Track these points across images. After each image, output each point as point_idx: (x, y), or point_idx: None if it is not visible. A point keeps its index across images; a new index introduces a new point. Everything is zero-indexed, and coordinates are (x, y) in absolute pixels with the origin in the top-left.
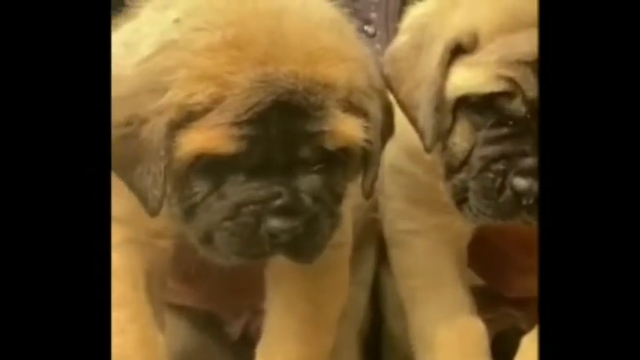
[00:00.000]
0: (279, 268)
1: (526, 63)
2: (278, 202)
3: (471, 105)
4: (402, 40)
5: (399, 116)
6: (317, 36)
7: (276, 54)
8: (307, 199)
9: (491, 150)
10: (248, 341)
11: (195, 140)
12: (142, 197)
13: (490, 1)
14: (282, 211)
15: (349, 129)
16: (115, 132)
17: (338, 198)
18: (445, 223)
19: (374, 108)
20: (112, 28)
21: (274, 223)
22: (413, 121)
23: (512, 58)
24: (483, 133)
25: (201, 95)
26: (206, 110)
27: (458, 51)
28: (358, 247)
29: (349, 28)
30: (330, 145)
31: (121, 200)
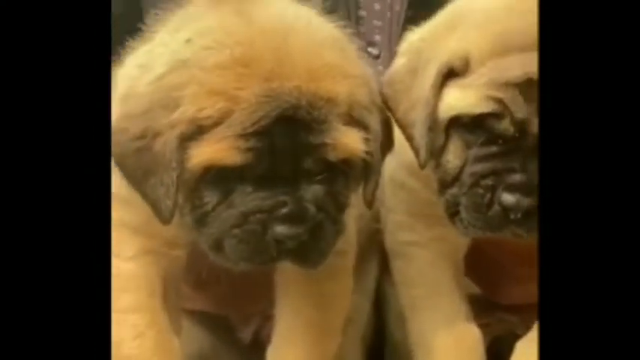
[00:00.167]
0: (287, 276)
1: (514, 85)
2: (283, 210)
3: (463, 124)
4: (399, 63)
5: (399, 134)
6: (320, 54)
7: (281, 71)
8: (311, 208)
9: (481, 167)
10: (259, 345)
11: (205, 152)
12: (156, 207)
13: (480, 27)
14: (288, 219)
15: (350, 141)
16: (130, 145)
17: (341, 207)
18: (443, 235)
19: (374, 122)
20: (128, 50)
21: (280, 230)
22: (409, 139)
23: (501, 81)
24: (474, 151)
25: (210, 110)
26: (215, 124)
27: (450, 74)
28: (362, 257)
29: (351, 47)
30: (332, 156)
31: (137, 212)
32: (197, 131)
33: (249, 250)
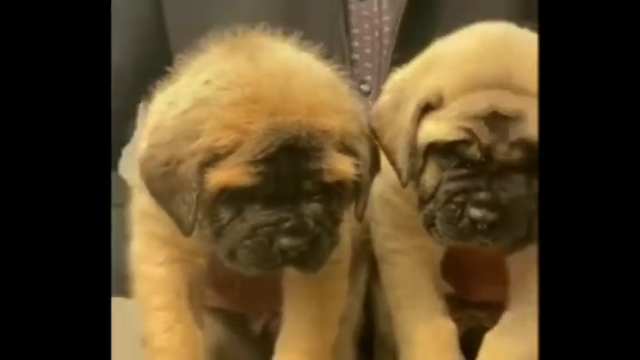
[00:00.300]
0: (292, 280)
1: (480, 117)
2: (287, 224)
3: (438, 150)
4: (384, 99)
5: (385, 159)
6: (317, 93)
7: (285, 107)
8: (310, 223)
9: (453, 186)
10: (268, 337)
11: (220, 176)
12: (179, 222)
13: (452, 69)
14: (290, 232)
15: (343, 167)
16: (157, 170)
17: (336, 221)
18: (422, 244)
19: (363, 150)
20: (158, 89)
21: (284, 241)
22: (393, 163)
23: (469, 114)
24: (447, 173)
25: (225, 140)
26: (229, 152)
27: (427, 108)
28: (354, 264)
29: (344, 86)
30: (328, 179)
31: (164, 226)
32: (214, 158)
33: (258, 258)
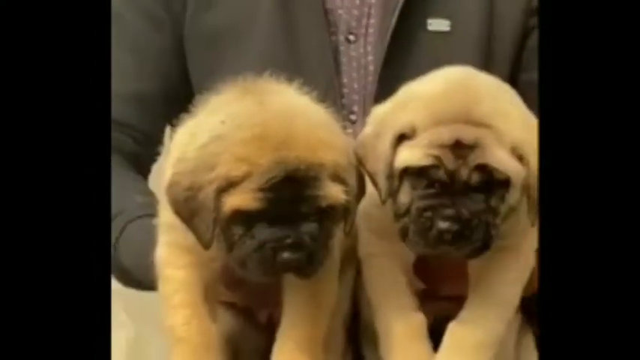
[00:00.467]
0: (291, 282)
1: (446, 146)
2: (288, 241)
3: (411, 174)
4: (367, 130)
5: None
6: (315, 132)
7: (288, 144)
8: (307, 239)
9: (423, 203)
10: (271, 325)
11: (233, 201)
12: (199, 237)
13: (423, 106)
14: (291, 248)
15: (335, 193)
16: (181, 194)
17: (328, 237)
18: (397, 249)
19: (351, 179)
20: (181, 123)
21: (285, 255)
22: (374, 184)
23: (437, 143)
24: (418, 192)
25: (237, 171)
26: (241, 181)
27: (402, 138)
28: (344, 265)
29: (337, 126)
30: (322, 203)
31: (185, 237)
32: (228, 186)
33: (264, 268)
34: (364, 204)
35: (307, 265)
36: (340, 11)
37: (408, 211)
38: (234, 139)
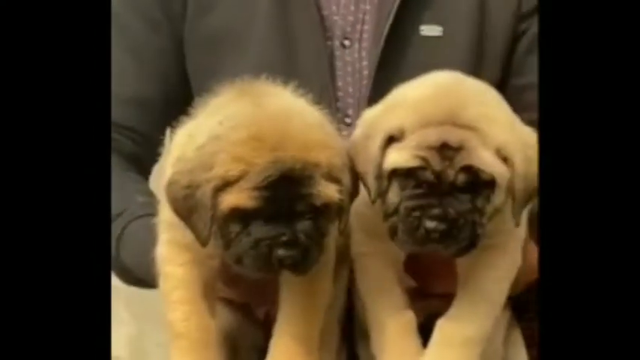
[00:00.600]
0: (287, 279)
1: (433, 148)
2: (283, 238)
3: (399, 174)
4: (358, 132)
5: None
6: (310, 132)
7: (283, 144)
8: (302, 237)
9: (411, 203)
10: (269, 322)
11: (230, 199)
12: (197, 235)
13: (411, 110)
14: (286, 245)
15: (329, 192)
16: (180, 192)
17: (323, 235)
18: (387, 248)
19: (345, 179)
20: (181, 124)
21: (281, 252)
22: (365, 184)
23: (424, 145)
24: (406, 192)
25: (234, 171)
26: (237, 180)
27: (391, 140)
28: (339, 263)
29: (331, 127)
30: (317, 202)
31: (184, 234)
32: (225, 185)
33: (260, 265)
34: (356, 204)
35: (302, 262)
36: (336, 17)
37: (396, 211)
38: (231, 139)
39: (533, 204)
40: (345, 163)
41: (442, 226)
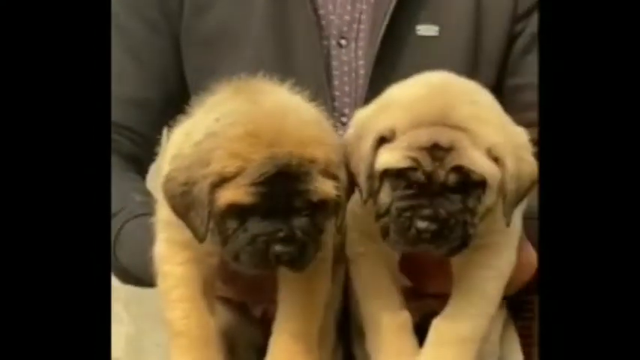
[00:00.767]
0: (285, 276)
1: (424, 148)
2: (280, 234)
3: (391, 175)
4: (350, 132)
5: None
6: (306, 129)
7: (280, 140)
8: (299, 233)
9: (402, 204)
10: (267, 320)
11: (227, 195)
12: (194, 231)
13: (403, 110)
14: (283, 241)
15: (326, 188)
16: (177, 189)
17: (320, 232)
18: (382, 248)
19: (342, 175)
20: (178, 123)
21: (278, 248)
22: (357, 184)
23: (415, 145)
24: (398, 193)
25: (231, 167)
26: (234, 176)
27: (382, 140)
28: (336, 261)
29: (327, 123)
30: (314, 198)
31: (182, 232)
32: (222, 181)
33: (257, 261)
34: (351, 204)
35: (299, 257)
36: (332, 17)
37: (388, 211)
38: (228, 135)
39: (528, 204)
40: (341, 160)
41: (433, 227)
